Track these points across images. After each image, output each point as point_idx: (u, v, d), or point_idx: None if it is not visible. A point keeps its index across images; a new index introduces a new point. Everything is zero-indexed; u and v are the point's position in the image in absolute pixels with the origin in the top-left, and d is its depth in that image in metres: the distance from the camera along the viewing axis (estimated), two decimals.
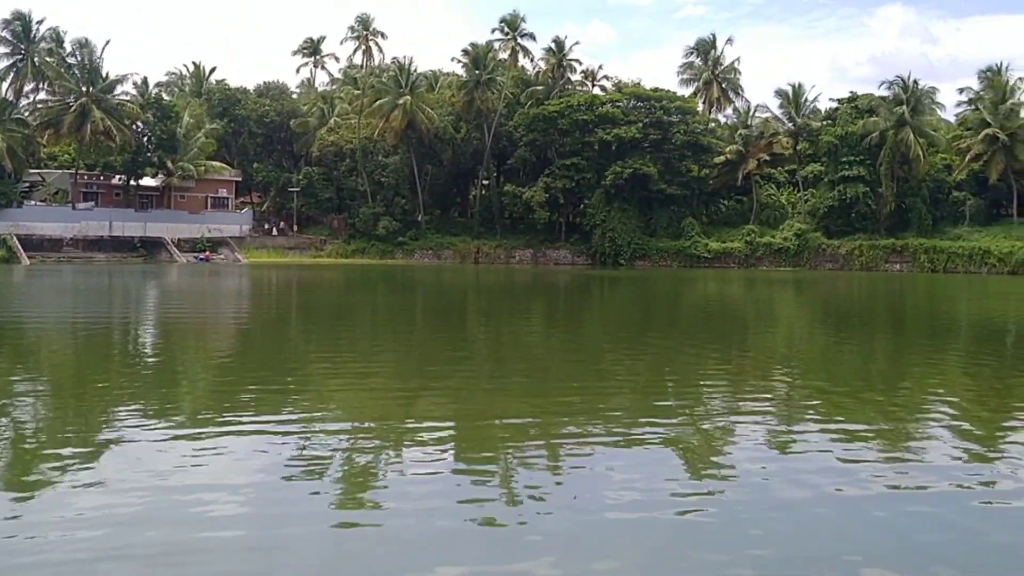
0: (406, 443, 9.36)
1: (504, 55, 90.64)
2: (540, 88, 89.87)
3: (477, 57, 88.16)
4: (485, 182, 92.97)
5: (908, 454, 9.12)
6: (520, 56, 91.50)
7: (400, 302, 36.04)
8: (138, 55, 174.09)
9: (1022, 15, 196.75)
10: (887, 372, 16.37)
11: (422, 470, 8.19)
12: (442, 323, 26.86)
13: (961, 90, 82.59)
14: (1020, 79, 77.28)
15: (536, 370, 15.59)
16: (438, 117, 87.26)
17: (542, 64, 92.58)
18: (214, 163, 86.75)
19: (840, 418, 10.98)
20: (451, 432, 10.13)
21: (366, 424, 10.35)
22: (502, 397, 12.48)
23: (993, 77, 78.17)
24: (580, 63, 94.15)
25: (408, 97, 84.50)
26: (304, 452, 8.73)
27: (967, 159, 75.14)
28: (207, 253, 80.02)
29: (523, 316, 29.32)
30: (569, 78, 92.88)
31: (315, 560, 5.89)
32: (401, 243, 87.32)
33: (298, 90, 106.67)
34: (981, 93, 78.26)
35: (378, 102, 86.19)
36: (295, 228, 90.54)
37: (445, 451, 9.15)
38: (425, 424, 10.44)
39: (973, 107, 78.66)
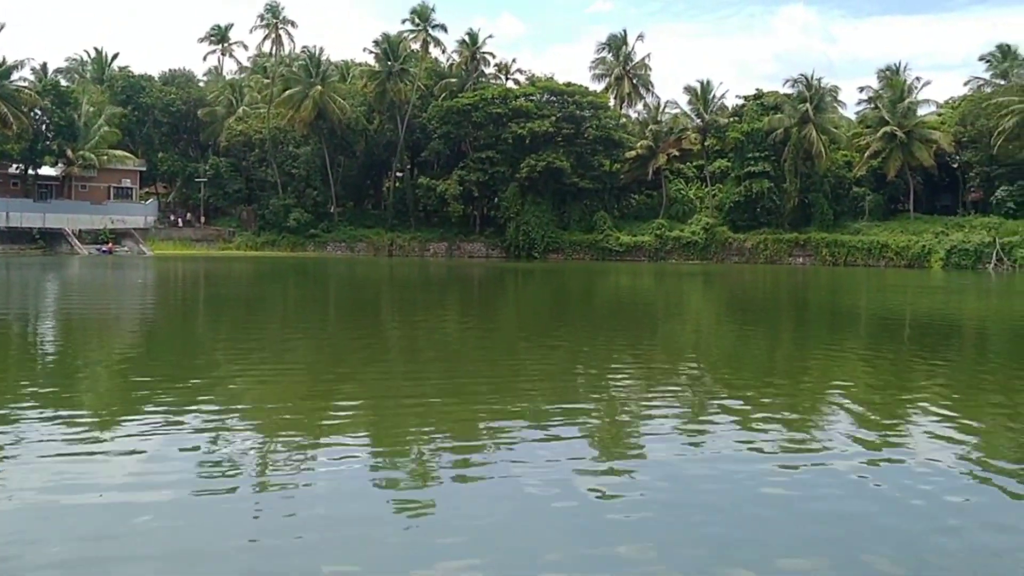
0: (319, 438, 9.29)
1: (416, 46, 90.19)
2: (454, 80, 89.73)
3: (389, 48, 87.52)
4: (399, 174, 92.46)
5: (808, 442, 9.45)
6: (432, 48, 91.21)
7: (312, 295, 35.64)
8: (36, 41, 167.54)
9: (919, 16, 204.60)
10: (790, 363, 16.93)
11: (336, 465, 8.17)
12: (355, 316, 26.68)
13: (861, 89, 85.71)
14: (917, 79, 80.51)
15: (450, 362, 15.65)
16: (350, 108, 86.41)
17: (455, 56, 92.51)
18: (117, 152, 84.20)
19: (744, 406, 11.33)
20: (365, 426, 10.11)
21: (277, 420, 10.24)
22: (416, 390, 12.50)
23: (891, 77, 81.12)
24: (494, 56, 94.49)
25: (319, 87, 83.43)
26: (214, 450, 8.60)
27: (867, 156, 77.90)
28: (110, 245, 77.71)
29: (438, 309, 29.33)
30: (483, 71, 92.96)
31: (232, 561, 5.87)
32: (313, 235, 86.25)
33: (205, 78, 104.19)
34: (880, 92, 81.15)
35: (288, 92, 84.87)
36: (202, 220, 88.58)
37: (359, 445, 9.12)
38: (338, 419, 10.41)
39: (873, 105, 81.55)
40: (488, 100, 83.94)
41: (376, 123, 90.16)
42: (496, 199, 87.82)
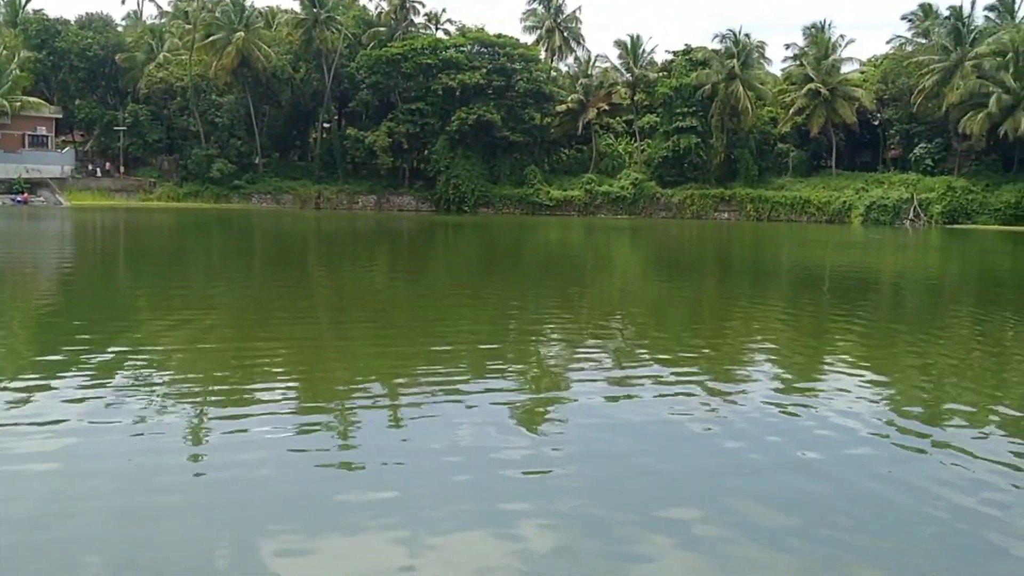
0: (244, 397, 9.23)
1: None
2: (383, 30, 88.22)
3: None
4: (326, 125, 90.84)
5: (730, 397, 9.70)
6: None
7: (237, 248, 35.05)
8: None
9: None
10: (714, 316, 17.31)
11: (262, 424, 8.14)
12: (282, 270, 26.33)
13: (787, 46, 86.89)
14: (841, 37, 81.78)
15: (379, 318, 15.63)
16: (275, 56, 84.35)
17: (384, 5, 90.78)
18: (31, 99, 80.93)
19: (669, 362, 11.59)
20: (291, 384, 10.05)
21: (202, 378, 10.13)
22: (344, 346, 12.47)
23: (817, 34, 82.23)
24: (423, 5, 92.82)
25: (242, 33, 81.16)
26: (135, 411, 8.48)
27: (791, 112, 79.11)
28: (25, 195, 74.99)
29: (366, 263, 29.14)
30: (412, 20, 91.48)
31: (165, 522, 5.84)
32: (237, 187, 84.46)
33: (124, 23, 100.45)
34: (806, 49, 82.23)
35: (211, 38, 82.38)
36: (122, 170, 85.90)
37: (285, 403, 9.07)
38: (264, 376, 10.32)
39: (798, 63, 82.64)
40: (418, 51, 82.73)
41: (302, 72, 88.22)
42: (426, 152, 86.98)
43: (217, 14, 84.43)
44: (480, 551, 5.36)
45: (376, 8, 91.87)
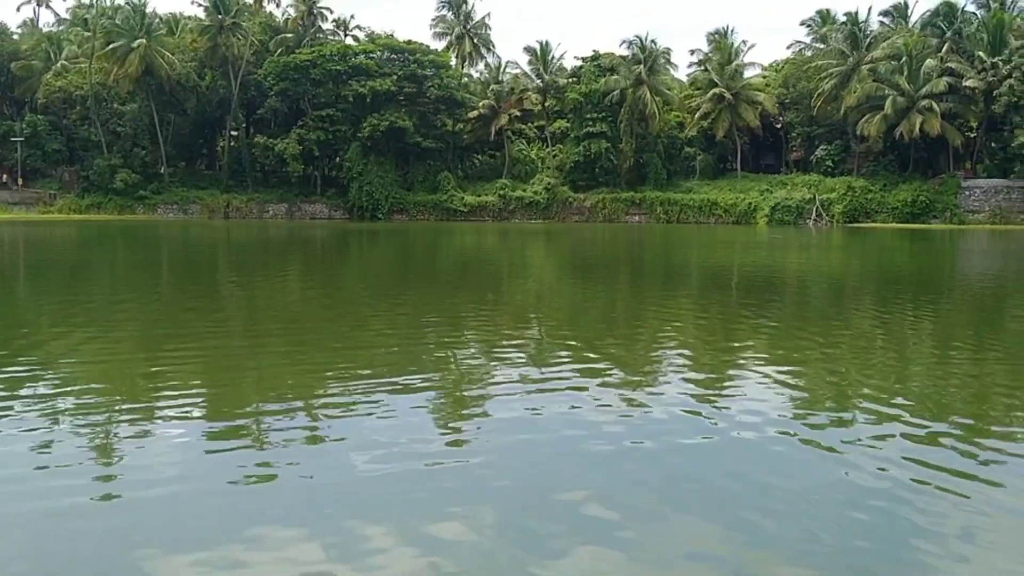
0: (154, 410, 9.03)
1: None
2: (290, 36, 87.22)
3: (220, 1, 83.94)
4: (234, 133, 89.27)
5: (642, 396, 9.90)
6: (266, 1, 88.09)
7: (144, 260, 34.14)
8: None
9: None
10: (627, 317, 17.59)
11: (172, 439, 7.99)
12: (190, 282, 25.71)
13: (692, 51, 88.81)
14: (744, 42, 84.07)
15: (293, 328, 15.42)
16: (179, 63, 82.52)
17: (291, 11, 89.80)
18: None
19: (583, 362, 11.76)
20: (203, 397, 9.86)
21: (109, 394, 9.85)
22: (257, 357, 12.29)
23: (720, 40, 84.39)
24: (331, 11, 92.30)
25: (144, 40, 79.22)
26: (38, 430, 8.23)
27: (697, 117, 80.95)
28: None
29: (279, 272, 28.72)
30: (320, 27, 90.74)
31: (52, 540, 5.70)
32: (142, 197, 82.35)
33: (20, 31, 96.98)
34: (710, 55, 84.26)
35: (111, 45, 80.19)
36: (19, 182, 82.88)
37: (197, 416, 8.90)
38: (175, 391, 10.08)
39: (703, 68, 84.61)
40: (327, 57, 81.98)
41: (208, 79, 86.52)
42: (338, 159, 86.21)
43: (117, 21, 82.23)
44: (396, 555, 5.39)
45: (283, 14, 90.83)
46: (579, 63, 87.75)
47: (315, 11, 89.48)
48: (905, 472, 6.99)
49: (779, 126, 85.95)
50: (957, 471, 7.03)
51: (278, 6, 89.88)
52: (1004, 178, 71.63)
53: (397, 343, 13.65)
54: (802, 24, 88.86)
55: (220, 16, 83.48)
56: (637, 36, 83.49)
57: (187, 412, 8.94)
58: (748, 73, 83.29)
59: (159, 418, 8.67)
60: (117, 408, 9.03)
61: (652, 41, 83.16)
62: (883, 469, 7.06)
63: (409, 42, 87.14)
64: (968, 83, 70.54)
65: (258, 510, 6.17)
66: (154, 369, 11.28)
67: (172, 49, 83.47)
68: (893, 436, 8.05)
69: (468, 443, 7.88)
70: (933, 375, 11.31)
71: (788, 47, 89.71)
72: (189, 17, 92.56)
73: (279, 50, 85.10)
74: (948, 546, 5.56)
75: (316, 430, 8.30)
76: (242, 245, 44.32)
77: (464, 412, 9.09)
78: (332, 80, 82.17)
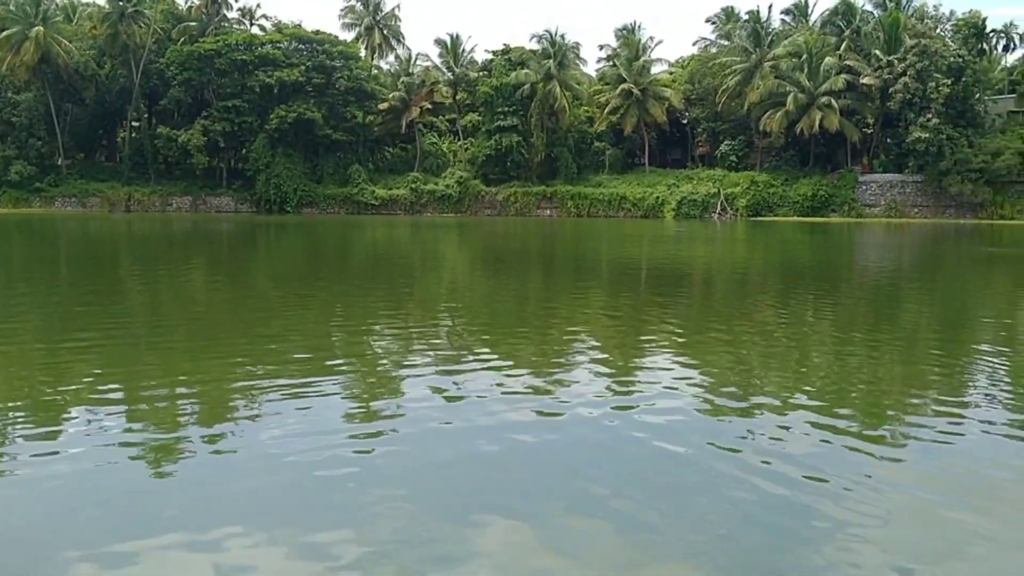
0: (49, 406, 8.75)
1: None
2: (194, 24, 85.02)
3: None
4: (135, 124, 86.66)
5: (556, 387, 10.04)
6: None
7: (40, 254, 32.88)
8: None
9: None
10: (539, 311, 17.75)
11: (70, 441, 7.76)
12: (90, 277, 24.87)
13: (601, 47, 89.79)
14: (651, 38, 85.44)
15: (198, 323, 15.12)
16: (78, 51, 79.66)
17: None
18: None
19: (495, 356, 11.86)
20: (109, 396, 9.54)
21: (3, 396, 9.54)
22: (159, 353, 12.01)
23: (628, 36, 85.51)
24: (236, 0, 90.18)
25: (41, 28, 76.24)
26: None
27: (606, 112, 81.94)
28: None
29: (184, 267, 28.03)
30: (225, 15, 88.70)
31: None
32: (39, 190, 79.28)
33: None
34: (618, 50, 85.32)
35: (5, 32, 76.88)
36: None
37: (105, 416, 8.60)
38: (73, 390, 9.78)
39: (611, 63, 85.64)
40: (232, 46, 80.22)
41: (108, 68, 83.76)
42: (244, 151, 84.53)
43: (11, 7, 78.85)
44: (298, 558, 5.37)
45: (186, 2, 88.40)
46: (490, 57, 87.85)
47: None
48: (807, 457, 7.26)
49: (685, 122, 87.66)
50: (857, 451, 7.35)
51: None
52: (899, 173, 74.54)
53: (306, 339, 13.49)
54: (707, 21, 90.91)
55: (121, 3, 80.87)
56: (547, 31, 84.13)
57: (84, 409, 8.64)
58: (655, 69, 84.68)
59: (54, 415, 8.39)
60: (10, 404, 8.71)
61: (562, 36, 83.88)
62: (784, 460, 7.33)
63: (317, 32, 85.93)
64: (865, 80, 73.11)
65: (153, 512, 6.04)
66: (50, 367, 10.88)
67: (70, 37, 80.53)
68: (796, 422, 8.33)
69: (377, 442, 7.86)
70: (833, 362, 11.75)
71: (694, 44, 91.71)
72: (87, 3, 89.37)
73: (182, 39, 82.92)
74: (849, 528, 5.79)
75: (219, 428, 8.12)
76: (144, 239, 43.09)
77: (374, 410, 9.05)
78: (238, 70, 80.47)
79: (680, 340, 13.49)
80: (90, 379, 10.25)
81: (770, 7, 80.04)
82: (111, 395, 9.45)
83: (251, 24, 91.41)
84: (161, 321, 15.49)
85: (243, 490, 6.46)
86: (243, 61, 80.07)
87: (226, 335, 13.67)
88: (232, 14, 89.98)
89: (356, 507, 6.11)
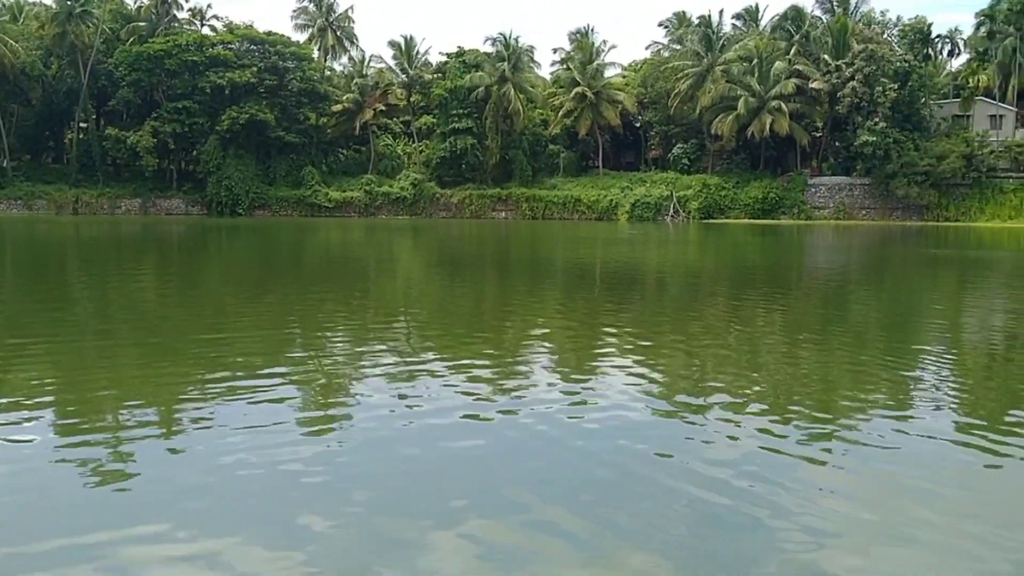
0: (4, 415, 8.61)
1: None
2: (143, 24, 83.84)
3: None
4: (83, 125, 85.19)
5: (510, 390, 10.10)
6: None
7: None
8: None
9: None
10: (495, 312, 17.80)
11: (14, 450, 7.66)
12: (35, 281, 24.37)
13: (555, 50, 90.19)
14: (604, 42, 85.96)
15: (150, 327, 14.93)
16: (24, 51, 78.07)
17: None
18: None
19: (451, 359, 11.88)
20: (54, 402, 9.37)
21: None
22: (109, 357, 11.84)
23: (581, 39, 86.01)
24: (187, 0, 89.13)
25: None
26: None
27: (560, 115, 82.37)
28: None
29: (133, 270, 27.62)
30: (175, 15, 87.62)
31: None
32: None
33: None
34: (572, 54, 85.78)
35: None
36: None
37: (51, 422, 8.49)
38: (17, 398, 9.61)
39: (565, 67, 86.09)
40: (182, 47, 79.24)
41: (55, 69, 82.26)
42: (195, 152, 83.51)
43: None
44: (257, 561, 5.37)
45: (135, 2, 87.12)
46: (444, 59, 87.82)
47: None
48: (759, 455, 7.41)
49: (638, 125, 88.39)
50: (806, 453, 7.51)
51: None
52: (847, 176, 75.92)
53: (258, 343, 13.37)
54: (660, 25, 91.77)
55: (69, 3, 79.48)
56: (501, 33, 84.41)
57: (34, 415, 8.48)
58: (609, 73, 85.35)
59: (2, 421, 8.26)
60: None
61: (516, 39, 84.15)
62: (737, 458, 7.47)
63: (270, 33, 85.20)
64: (814, 85, 74.35)
65: (114, 518, 5.99)
66: None
67: (16, 36, 78.96)
68: (747, 424, 8.49)
69: (332, 444, 7.83)
70: (783, 364, 11.97)
71: (647, 48, 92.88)
72: (35, 3, 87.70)
73: (131, 39, 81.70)
74: (798, 531, 5.92)
75: (171, 434, 8.03)
76: (92, 242, 42.36)
77: (328, 413, 9.01)
78: (188, 71, 79.49)
79: (634, 342, 13.62)
80: (35, 383, 10.06)
81: (721, 12, 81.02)
82: (57, 399, 9.29)
83: (202, 25, 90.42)
84: (110, 326, 15.26)
85: (194, 491, 6.42)
86: (194, 62, 79.13)
87: (177, 339, 13.49)
88: (182, 14, 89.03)
89: (309, 508, 6.09)
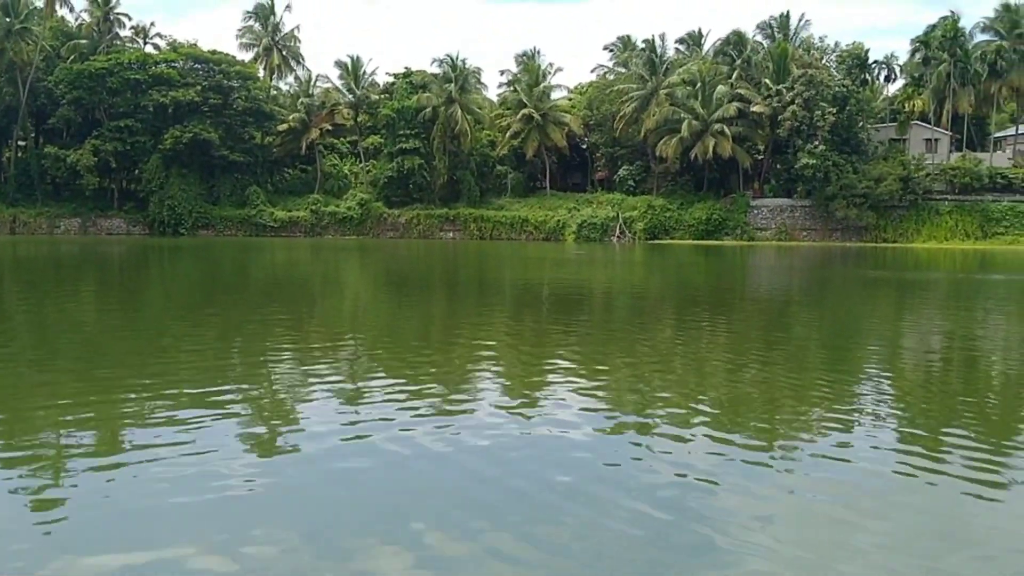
0: None
1: (39, 3, 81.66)
2: (84, 42, 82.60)
3: (8, 3, 78.45)
4: (21, 143, 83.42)
5: (455, 411, 10.13)
6: (59, 5, 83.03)
7: None
8: None
9: (549, 5, 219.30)
10: (443, 333, 17.80)
11: None
12: None
13: (502, 72, 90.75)
14: (551, 64, 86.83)
15: (89, 350, 14.63)
16: None
17: (85, 16, 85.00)
18: None
19: (399, 380, 11.86)
20: None
21: None
22: (49, 383, 11.59)
23: (528, 62, 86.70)
24: (130, 18, 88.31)
25: None
26: None
27: (508, 136, 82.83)
28: None
29: (71, 291, 27.07)
30: (118, 33, 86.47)
31: None
32: None
33: None
34: (519, 76, 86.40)
35: None
36: None
37: None
38: None
39: (512, 88, 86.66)
40: (125, 65, 78.19)
41: None
42: (137, 171, 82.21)
43: None
44: None
45: (77, 19, 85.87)
46: (391, 79, 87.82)
47: (112, 17, 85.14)
48: (702, 472, 7.53)
49: (585, 146, 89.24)
50: (751, 464, 7.66)
51: (71, 11, 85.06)
52: (788, 197, 77.43)
53: (204, 365, 13.21)
54: (605, 49, 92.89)
55: (8, 19, 77.99)
56: (448, 55, 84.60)
57: None
58: (555, 95, 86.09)
59: None
60: None
61: (463, 61, 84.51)
62: (681, 475, 7.58)
63: (214, 52, 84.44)
64: (755, 108, 75.81)
65: (62, 541, 5.87)
66: None
67: None
68: (693, 442, 8.62)
69: (277, 464, 7.78)
70: (727, 382, 12.16)
71: (592, 71, 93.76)
72: None
73: (72, 56, 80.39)
74: (739, 545, 6.04)
75: (109, 458, 7.89)
76: (29, 262, 41.42)
77: (270, 435, 8.91)
78: (131, 89, 78.43)
79: (580, 362, 13.72)
80: None
81: (663, 36, 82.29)
82: None
83: (145, 43, 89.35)
84: (46, 349, 14.92)
85: (132, 515, 6.32)
86: (136, 80, 78.13)
87: (117, 363, 13.25)
88: (125, 32, 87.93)
89: (249, 529, 6.05)
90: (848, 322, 20.89)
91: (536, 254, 53.49)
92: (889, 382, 12.42)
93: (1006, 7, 75.82)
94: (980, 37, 77.43)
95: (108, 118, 79.90)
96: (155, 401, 10.26)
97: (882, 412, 10.14)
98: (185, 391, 10.88)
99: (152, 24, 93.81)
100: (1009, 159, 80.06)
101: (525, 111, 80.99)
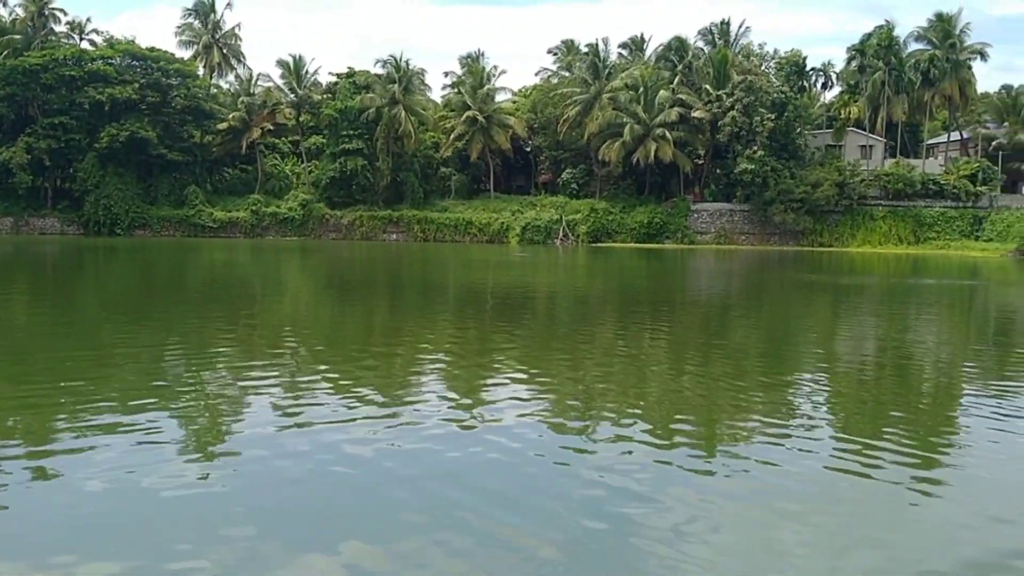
0: None
1: None
2: (18, 38, 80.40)
3: None
4: None
5: (399, 413, 10.12)
6: None
7: None
8: None
9: (494, 7, 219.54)
10: (385, 335, 17.73)
11: None
12: None
13: (446, 74, 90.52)
14: (495, 67, 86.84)
15: (18, 351, 14.33)
16: None
17: (19, 11, 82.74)
18: None
19: (341, 383, 11.82)
20: None
21: None
22: None
23: (472, 64, 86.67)
24: (65, 13, 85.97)
25: None
26: None
27: (452, 138, 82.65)
28: None
29: (1, 293, 26.38)
30: (52, 29, 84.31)
31: None
32: None
33: None
34: (463, 78, 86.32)
35: None
36: None
37: None
38: None
39: (456, 90, 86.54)
40: (60, 61, 76.30)
41: None
42: (72, 170, 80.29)
43: None
44: None
45: (10, 14, 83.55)
46: (334, 79, 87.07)
47: (47, 12, 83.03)
48: (642, 471, 7.66)
49: (529, 149, 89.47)
50: (687, 471, 7.81)
51: (4, 5, 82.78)
52: (728, 202, 78.57)
53: (139, 367, 13.00)
54: (549, 52, 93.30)
55: None
56: (392, 56, 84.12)
57: None
58: (499, 97, 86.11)
59: None
60: None
61: (407, 62, 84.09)
62: (620, 484, 7.70)
63: (152, 49, 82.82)
64: (696, 114, 76.80)
65: None
66: None
67: None
68: (633, 445, 8.76)
69: (211, 471, 7.71)
70: (667, 389, 12.36)
71: (536, 73, 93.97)
72: None
73: (5, 52, 78.25)
74: (676, 546, 6.17)
75: (41, 466, 7.75)
76: None
77: (210, 439, 8.83)
78: (66, 86, 76.59)
79: (522, 366, 13.81)
80: None
81: (606, 40, 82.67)
82: None
83: (81, 39, 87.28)
84: None
85: (64, 524, 6.24)
86: (71, 76, 76.33)
87: (50, 366, 12.97)
88: (60, 28, 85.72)
89: (195, 533, 6.01)
90: (785, 326, 21.32)
91: (480, 256, 53.52)
92: (823, 386, 12.74)
93: (939, 17, 77.91)
94: (914, 46, 79.47)
95: (42, 115, 77.92)
96: (87, 407, 10.08)
97: (818, 416, 10.42)
98: (118, 397, 10.72)
99: (88, 20, 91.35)
100: (941, 166, 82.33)
101: (469, 113, 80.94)
